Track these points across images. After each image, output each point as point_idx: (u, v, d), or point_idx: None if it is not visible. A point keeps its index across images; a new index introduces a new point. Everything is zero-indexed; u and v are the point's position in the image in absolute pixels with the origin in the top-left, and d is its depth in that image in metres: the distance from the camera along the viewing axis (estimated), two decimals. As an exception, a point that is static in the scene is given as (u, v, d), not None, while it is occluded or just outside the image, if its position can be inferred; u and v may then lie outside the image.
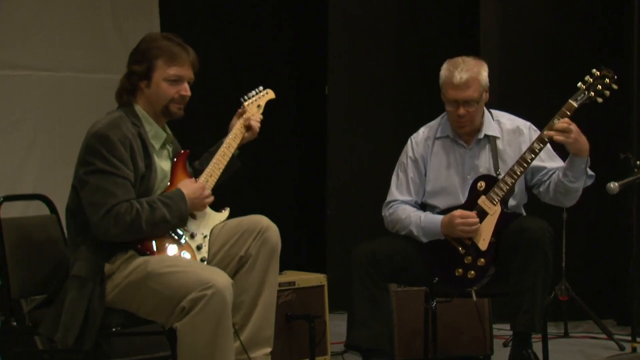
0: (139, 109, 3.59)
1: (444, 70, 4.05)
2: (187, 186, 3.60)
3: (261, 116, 3.92)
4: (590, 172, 3.96)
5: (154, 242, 3.52)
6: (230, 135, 3.83)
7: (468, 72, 3.98)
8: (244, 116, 3.88)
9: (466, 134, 4.10)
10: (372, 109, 6.32)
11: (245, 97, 3.95)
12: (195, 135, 4.76)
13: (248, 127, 3.86)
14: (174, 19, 5.97)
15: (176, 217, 3.51)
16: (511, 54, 5.89)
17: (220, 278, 3.38)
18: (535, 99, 5.77)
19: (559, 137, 3.85)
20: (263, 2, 6.54)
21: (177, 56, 3.60)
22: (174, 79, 3.60)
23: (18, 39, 5.23)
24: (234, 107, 3.95)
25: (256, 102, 3.96)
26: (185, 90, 3.63)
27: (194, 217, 3.65)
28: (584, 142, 3.88)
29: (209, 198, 3.67)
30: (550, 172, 4.02)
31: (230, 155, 3.79)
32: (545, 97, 5.71)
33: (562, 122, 3.85)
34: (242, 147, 3.89)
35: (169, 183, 3.64)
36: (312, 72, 6.57)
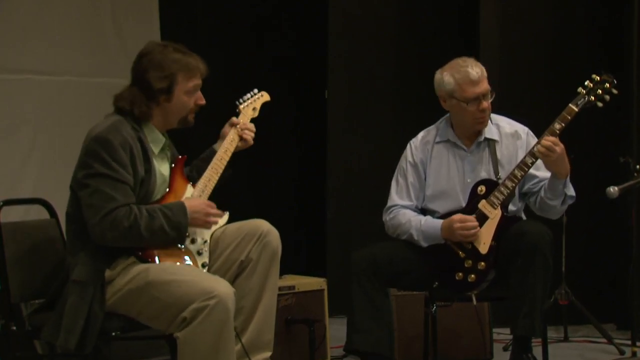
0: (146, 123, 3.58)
1: (451, 75, 4.00)
2: (192, 201, 3.57)
3: (254, 128, 3.87)
4: (571, 193, 3.96)
5: (155, 251, 3.49)
6: (228, 139, 3.81)
7: (478, 66, 4.01)
8: (240, 122, 3.85)
9: (468, 137, 4.10)
10: (372, 109, 6.31)
11: (241, 100, 3.93)
12: (193, 136, 4.74)
13: (241, 138, 3.83)
14: (174, 20, 5.95)
15: (175, 230, 3.46)
16: (511, 54, 5.88)
17: (223, 287, 3.37)
18: (535, 99, 5.77)
19: (541, 152, 3.83)
20: (263, 2, 6.52)
21: (195, 69, 3.60)
22: (193, 91, 3.61)
23: (18, 41, 5.21)
24: (234, 107, 3.93)
25: (252, 105, 3.94)
26: (201, 99, 3.65)
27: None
28: (564, 165, 3.87)
29: (215, 217, 3.60)
30: (542, 183, 4.01)
31: (227, 158, 3.77)
32: (545, 98, 5.71)
33: (547, 142, 3.82)
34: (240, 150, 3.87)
35: (167, 189, 3.62)
36: (312, 72, 6.56)
